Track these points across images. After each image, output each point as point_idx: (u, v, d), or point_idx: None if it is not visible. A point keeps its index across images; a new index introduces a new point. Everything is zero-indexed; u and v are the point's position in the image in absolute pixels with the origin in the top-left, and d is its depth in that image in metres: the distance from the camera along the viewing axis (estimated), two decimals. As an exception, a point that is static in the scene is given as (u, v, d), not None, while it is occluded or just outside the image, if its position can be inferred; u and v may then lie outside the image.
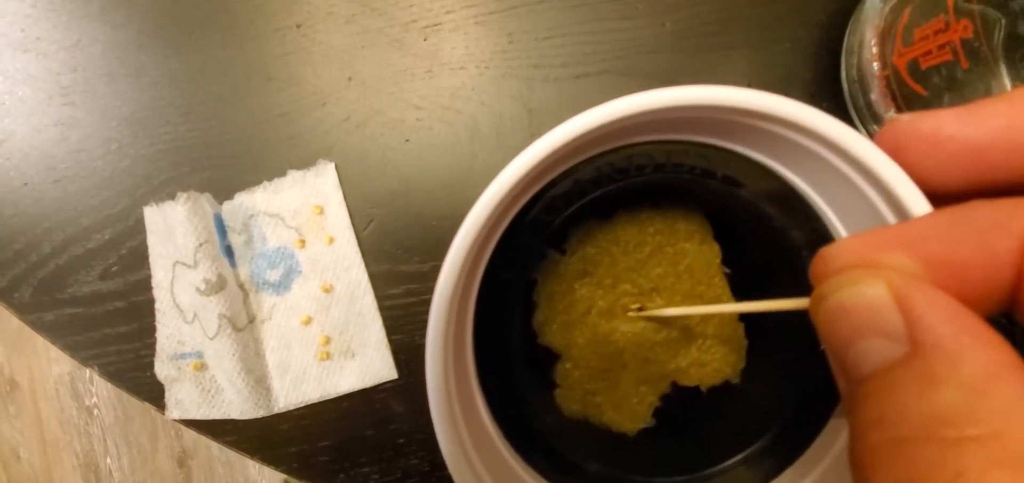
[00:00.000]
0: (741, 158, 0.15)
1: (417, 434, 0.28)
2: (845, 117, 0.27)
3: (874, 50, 0.24)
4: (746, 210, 0.15)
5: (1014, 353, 0.09)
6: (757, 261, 0.16)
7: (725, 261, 0.17)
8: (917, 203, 0.12)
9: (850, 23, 0.26)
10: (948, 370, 0.09)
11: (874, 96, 0.24)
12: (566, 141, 0.12)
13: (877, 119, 0.25)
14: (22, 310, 0.27)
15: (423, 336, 0.27)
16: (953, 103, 0.19)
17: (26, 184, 0.27)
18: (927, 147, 0.12)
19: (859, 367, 0.10)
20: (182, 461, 1.13)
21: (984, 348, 0.09)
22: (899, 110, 0.23)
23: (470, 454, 0.15)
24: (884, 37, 0.23)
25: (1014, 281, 0.10)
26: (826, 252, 0.11)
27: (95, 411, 1.12)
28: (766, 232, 0.15)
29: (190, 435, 1.08)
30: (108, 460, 1.13)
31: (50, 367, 1.10)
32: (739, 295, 0.17)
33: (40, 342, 1.06)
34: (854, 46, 0.25)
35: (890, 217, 0.13)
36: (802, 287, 0.14)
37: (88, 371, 1.05)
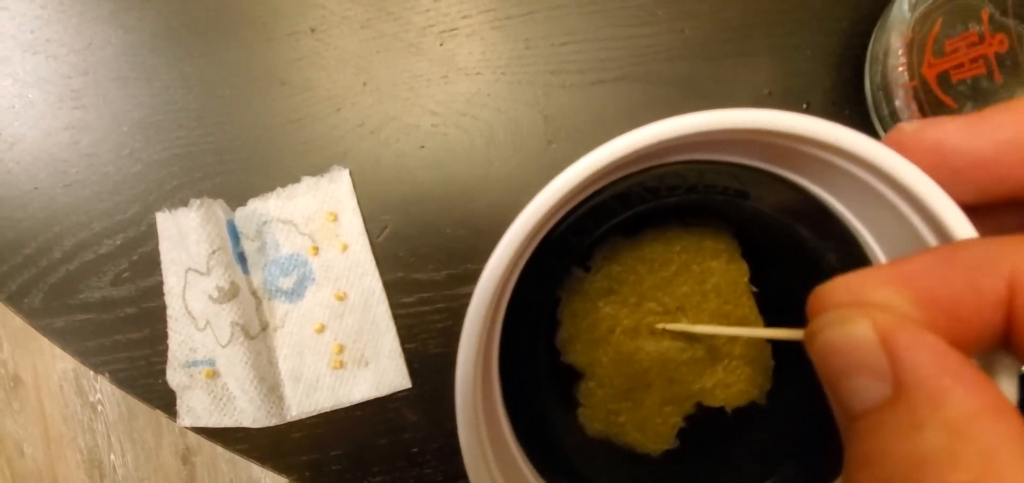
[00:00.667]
0: (776, 179, 0.14)
1: (430, 443, 0.28)
2: (867, 125, 0.26)
3: (902, 59, 0.23)
4: (779, 231, 0.15)
5: (998, 394, 0.09)
6: (788, 282, 0.15)
7: (753, 280, 0.17)
8: (961, 226, 0.12)
9: (875, 31, 0.25)
10: (930, 412, 0.09)
11: (899, 103, 0.24)
12: (610, 162, 0.12)
13: (899, 121, 0.24)
14: (32, 315, 0.26)
15: (437, 345, 0.27)
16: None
17: (37, 188, 0.26)
18: (932, 159, 0.12)
19: (850, 405, 0.10)
20: (186, 458, 1.13)
21: (967, 389, 0.09)
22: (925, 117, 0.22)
23: (494, 473, 0.14)
24: (912, 47, 0.22)
25: (1003, 321, 0.10)
26: (821, 289, 0.11)
27: (99, 407, 1.12)
28: (800, 254, 0.15)
29: (194, 432, 1.08)
30: (112, 457, 1.13)
31: (55, 363, 1.10)
32: (767, 315, 0.17)
33: (45, 338, 1.06)
34: (879, 54, 0.25)
35: (931, 240, 0.12)
36: None
37: (92, 367, 1.06)
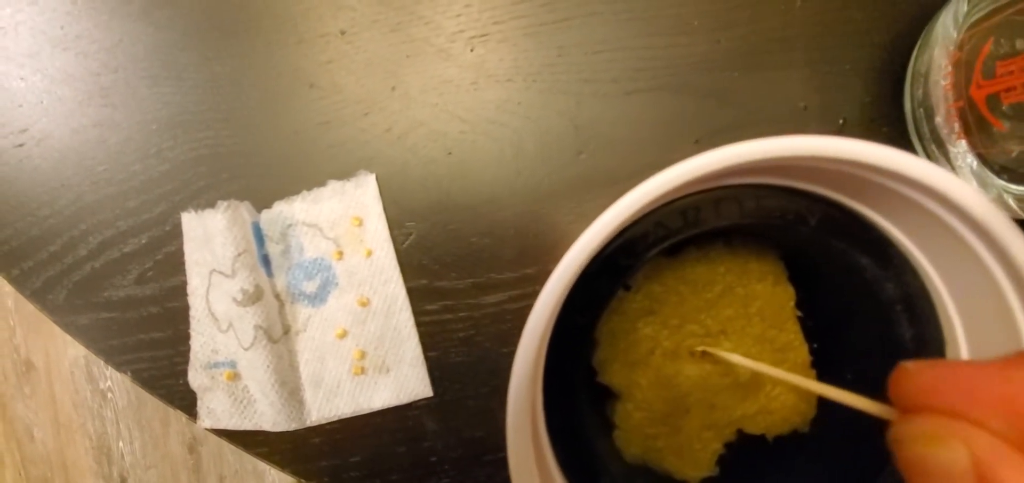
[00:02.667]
0: (836, 206, 0.14)
1: (449, 453, 0.27)
2: (906, 143, 0.26)
3: (947, 78, 0.23)
4: (835, 257, 0.14)
5: None
6: (840, 309, 0.15)
7: (799, 305, 0.16)
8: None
9: (917, 47, 0.25)
10: None
11: (939, 121, 0.23)
12: (679, 183, 0.11)
13: (941, 145, 0.24)
14: (56, 312, 0.26)
15: (458, 354, 0.27)
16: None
17: (64, 185, 0.26)
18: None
19: None
20: (192, 447, 1.14)
21: None
22: (972, 143, 0.22)
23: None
24: (959, 66, 0.22)
25: None
26: (910, 373, 0.10)
27: (109, 394, 1.13)
28: (856, 281, 0.14)
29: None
30: (120, 443, 1.14)
31: (66, 349, 1.11)
32: (813, 340, 0.16)
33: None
34: (921, 71, 0.24)
35: (1004, 282, 0.12)
36: (891, 343, 0.13)
37: (103, 355, 1.06)
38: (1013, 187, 0.22)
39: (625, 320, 0.16)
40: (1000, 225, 0.11)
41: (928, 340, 0.14)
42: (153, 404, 1.10)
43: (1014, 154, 0.21)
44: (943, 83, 0.23)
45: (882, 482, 0.15)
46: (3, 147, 0.26)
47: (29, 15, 0.26)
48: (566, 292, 0.13)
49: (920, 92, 0.24)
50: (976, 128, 0.21)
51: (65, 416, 1.12)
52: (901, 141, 0.26)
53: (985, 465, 0.08)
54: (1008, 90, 0.19)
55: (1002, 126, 0.19)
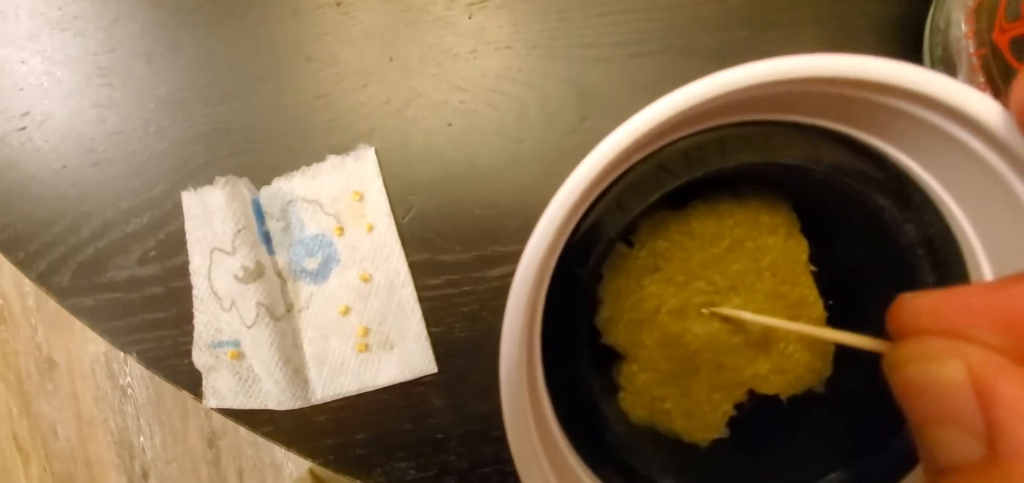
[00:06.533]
0: (850, 142, 0.13)
1: (455, 430, 0.27)
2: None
3: (964, 27, 0.22)
4: (850, 201, 0.14)
5: None
6: (857, 261, 0.14)
7: (813, 259, 0.16)
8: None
9: (934, 1, 0.23)
10: None
11: (961, 78, 0.22)
12: (674, 114, 0.10)
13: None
14: (61, 294, 0.26)
15: (463, 329, 0.27)
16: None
17: (65, 166, 0.26)
18: None
19: (933, 457, 0.08)
20: (212, 441, 1.15)
21: None
22: (995, 91, 0.21)
23: (541, 461, 0.13)
24: (981, 11, 0.20)
25: None
26: (906, 303, 0.09)
27: (129, 390, 1.15)
28: (874, 226, 0.14)
29: (219, 416, 1.10)
30: (141, 438, 1.16)
31: (86, 347, 1.13)
32: (829, 297, 0.16)
33: (77, 322, 1.09)
34: (940, 24, 0.23)
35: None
36: (905, 287, 0.12)
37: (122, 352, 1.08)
38: None
39: (629, 278, 0.16)
40: None
41: (952, 285, 0.13)
42: (172, 399, 1.12)
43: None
44: (964, 32, 0.21)
45: (898, 442, 0.15)
46: (6, 130, 0.26)
47: (27, -2, 0.26)
48: (561, 235, 0.12)
49: (938, 48, 0.23)
50: (1001, 78, 0.20)
51: (87, 412, 1.14)
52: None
53: (982, 380, 0.08)
54: (1034, 30, 0.17)
55: (1028, 70, 0.18)
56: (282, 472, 1.16)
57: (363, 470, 0.27)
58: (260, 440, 1.12)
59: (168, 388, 1.09)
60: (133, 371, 1.12)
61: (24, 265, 0.26)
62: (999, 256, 0.12)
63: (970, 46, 0.21)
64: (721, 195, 0.15)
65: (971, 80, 0.22)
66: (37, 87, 0.26)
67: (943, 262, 0.13)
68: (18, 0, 0.26)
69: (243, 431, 1.11)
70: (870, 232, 0.14)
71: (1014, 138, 0.10)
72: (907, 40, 0.24)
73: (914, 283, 0.13)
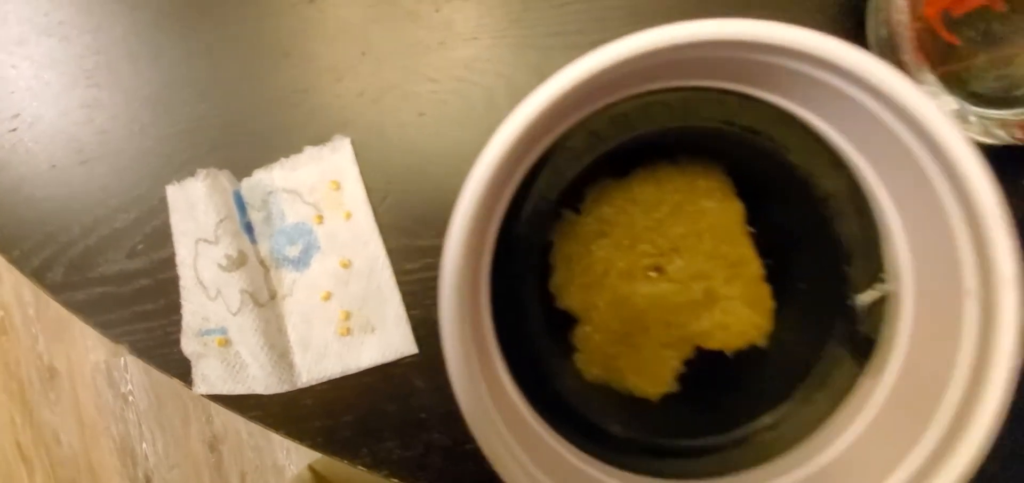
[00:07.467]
0: (763, 105, 0.14)
1: (438, 409, 0.28)
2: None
3: (900, 3, 0.23)
4: (769, 161, 0.15)
5: None
6: (787, 219, 0.15)
7: (751, 221, 0.17)
8: (955, 145, 0.12)
9: (878, -22, 0.24)
10: None
11: (904, 55, 0.23)
12: (583, 80, 0.11)
13: (909, 76, 0.24)
14: (55, 290, 0.27)
15: (442, 311, 0.28)
16: (990, 54, 0.18)
17: (54, 166, 0.27)
18: None
19: None
20: (213, 445, 1.16)
21: None
22: (933, 65, 0.22)
23: (492, 415, 0.14)
24: (916, -12, 0.22)
25: None
26: None
27: (130, 397, 1.15)
28: (791, 183, 0.15)
29: (220, 420, 1.11)
30: (144, 444, 1.16)
31: (87, 355, 1.14)
32: (768, 255, 0.17)
33: (77, 330, 1.10)
34: (880, 3, 0.24)
35: (930, 165, 0.12)
36: (830, 241, 0.13)
37: (123, 359, 1.09)
38: (991, 113, 0.22)
39: (578, 243, 0.17)
40: (926, 112, 0.11)
41: (865, 236, 0.14)
42: (173, 405, 1.13)
43: (980, 70, 0.21)
44: (900, 8, 0.22)
45: (838, 391, 0.16)
46: (-3, 133, 0.27)
47: (15, 6, 0.27)
48: (491, 186, 0.13)
49: (882, 26, 0.24)
50: (934, 48, 0.21)
51: (89, 420, 1.15)
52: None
53: None
54: (958, 2, 0.19)
55: (956, 40, 0.19)
56: (284, 474, 1.17)
57: (350, 450, 0.28)
58: (262, 444, 1.13)
59: (169, 394, 1.10)
60: (134, 378, 1.13)
61: (19, 262, 0.27)
62: (904, 204, 0.13)
63: (906, 22, 0.22)
64: (660, 163, 0.16)
65: (911, 56, 0.23)
66: (26, 90, 0.27)
67: (855, 212, 0.14)
68: (7, 7, 0.27)
69: (244, 435, 1.12)
70: (788, 189, 0.15)
71: (897, 90, 0.11)
72: (852, 21, 0.26)
73: (831, 234, 0.14)
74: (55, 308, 1.07)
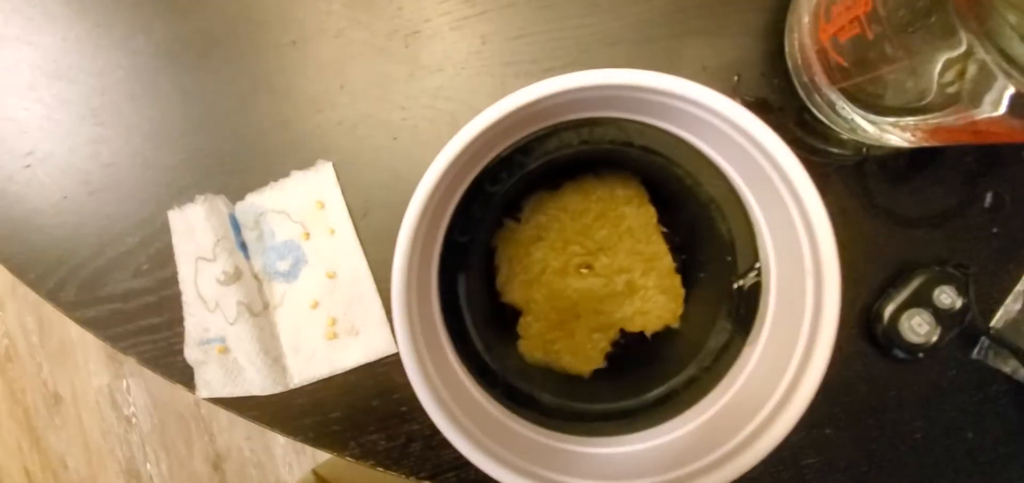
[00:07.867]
0: (653, 129, 0.17)
1: (417, 402, 0.31)
2: (793, 91, 0.29)
3: (808, 27, 0.26)
4: (666, 173, 0.18)
5: None
6: (688, 219, 0.18)
7: (662, 221, 0.20)
8: (785, 158, 0.15)
9: (790, 3, 0.28)
10: None
11: (814, 73, 0.26)
12: (500, 117, 0.15)
13: (818, 91, 0.27)
14: (67, 308, 0.30)
15: (419, 314, 0.31)
16: (865, 71, 0.22)
17: (65, 197, 0.30)
18: None
19: None
20: (217, 464, 1.18)
21: None
22: (833, 82, 0.25)
23: (442, 394, 0.17)
24: (814, 16, 0.25)
25: None
26: None
27: (133, 420, 1.17)
28: (684, 190, 0.18)
29: (223, 439, 1.13)
30: (148, 465, 1.18)
31: (90, 380, 1.16)
32: (681, 252, 0.20)
33: (80, 356, 1.12)
34: (793, 25, 0.27)
35: (770, 171, 0.15)
36: (716, 238, 0.16)
37: (125, 382, 1.11)
38: (886, 120, 0.24)
39: (519, 247, 0.20)
40: (764, 135, 0.14)
41: (741, 234, 0.17)
42: (176, 425, 1.15)
43: (867, 85, 0.23)
44: (806, 32, 0.26)
45: (728, 354, 0.19)
46: (14, 169, 0.30)
47: (26, 54, 0.30)
48: (429, 207, 0.16)
49: (795, 46, 0.28)
50: (830, 67, 0.24)
51: (95, 444, 1.16)
52: (790, 92, 0.29)
53: None
54: (840, 29, 0.22)
55: (843, 60, 0.23)
56: (285, 490, 1.18)
57: (340, 444, 0.31)
58: (264, 460, 1.15)
59: (171, 415, 1.12)
60: (136, 400, 1.15)
61: (35, 284, 0.30)
62: (765, 207, 0.16)
63: (810, 45, 0.25)
64: (585, 176, 0.20)
65: (819, 74, 0.26)
66: (38, 130, 0.30)
67: (735, 213, 0.17)
68: (19, 56, 0.30)
69: (247, 453, 1.14)
70: (683, 195, 0.18)
71: (739, 117, 0.14)
72: (776, 41, 0.29)
73: (718, 231, 0.17)
74: (58, 335, 1.10)
